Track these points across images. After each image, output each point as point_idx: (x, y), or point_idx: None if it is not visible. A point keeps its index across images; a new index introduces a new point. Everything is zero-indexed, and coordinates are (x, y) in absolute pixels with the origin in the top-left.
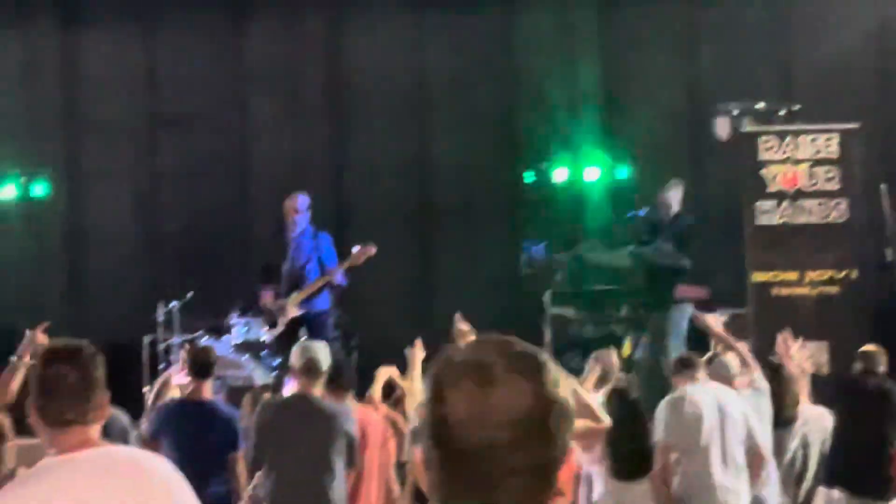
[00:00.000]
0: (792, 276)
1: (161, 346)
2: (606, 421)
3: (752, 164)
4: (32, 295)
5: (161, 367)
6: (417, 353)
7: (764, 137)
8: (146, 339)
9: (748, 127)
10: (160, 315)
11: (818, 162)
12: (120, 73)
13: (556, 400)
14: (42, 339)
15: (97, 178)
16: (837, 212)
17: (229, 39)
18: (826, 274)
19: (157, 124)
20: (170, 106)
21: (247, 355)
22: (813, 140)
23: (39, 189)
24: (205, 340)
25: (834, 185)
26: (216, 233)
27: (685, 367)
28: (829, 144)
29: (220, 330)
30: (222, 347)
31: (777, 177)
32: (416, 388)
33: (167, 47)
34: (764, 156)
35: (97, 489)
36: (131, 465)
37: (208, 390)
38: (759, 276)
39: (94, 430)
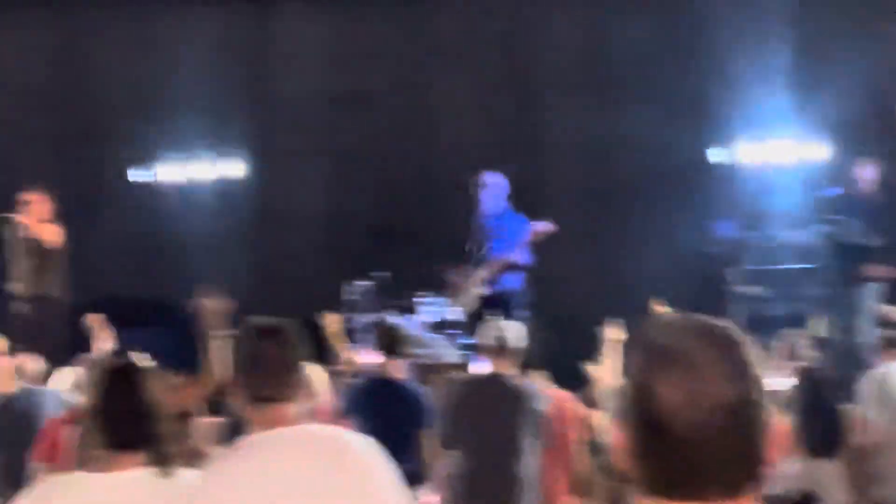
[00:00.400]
0: None
1: (350, 326)
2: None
3: None
4: (225, 273)
5: (351, 345)
6: (611, 335)
7: None
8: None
9: None
10: (349, 294)
11: None
12: (310, 51)
13: (759, 380)
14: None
15: (288, 157)
16: None
17: (417, 15)
18: None
19: (347, 102)
20: (359, 84)
21: (436, 334)
22: None
23: (232, 168)
24: (394, 319)
25: None
26: (405, 211)
27: (891, 345)
28: None
29: (409, 309)
30: (411, 326)
31: None
32: (608, 372)
33: (356, 24)
34: None
35: (295, 466)
36: (330, 442)
37: (397, 368)
38: None
39: (294, 407)
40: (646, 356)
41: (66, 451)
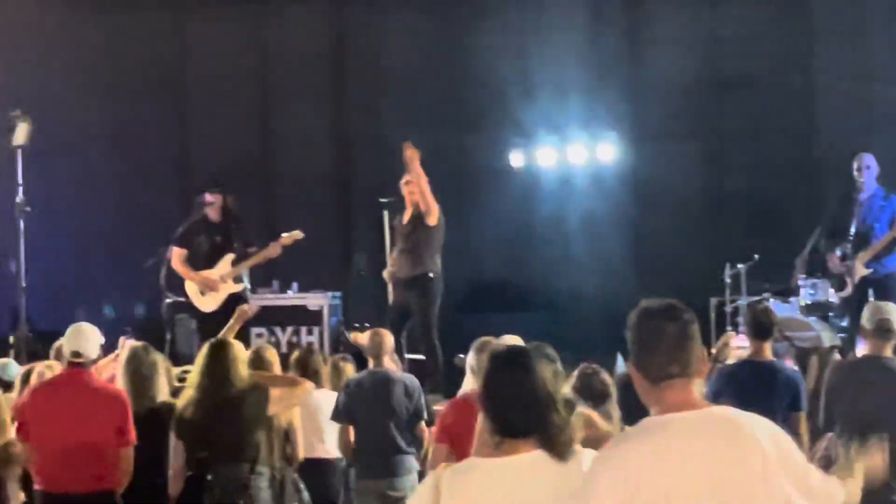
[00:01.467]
0: None
1: (728, 308)
2: None
3: None
4: (602, 256)
5: (727, 328)
6: None
7: None
8: (713, 301)
9: None
10: (727, 276)
11: None
12: (685, 34)
13: None
14: None
15: (662, 139)
16: None
17: None
18: None
19: (722, 84)
20: (734, 66)
21: (814, 316)
22: None
23: (606, 150)
24: (771, 302)
25: None
26: (782, 192)
27: None
28: None
29: (786, 292)
30: (789, 309)
31: None
32: None
33: (731, 7)
34: None
35: (699, 447)
36: (731, 423)
37: (769, 351)
38: None
39: (695, 385)
40: None
41: (462, 435)
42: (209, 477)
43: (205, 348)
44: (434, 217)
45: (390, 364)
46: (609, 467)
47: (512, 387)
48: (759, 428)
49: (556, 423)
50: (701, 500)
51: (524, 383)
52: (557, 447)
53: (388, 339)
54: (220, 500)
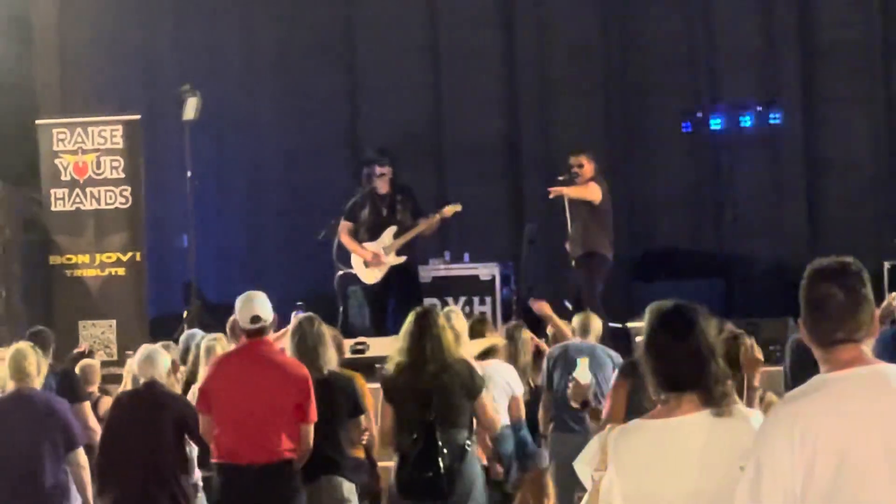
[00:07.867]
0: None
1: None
2: None
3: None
4: (773, 221)
5: None
6: None
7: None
8: (887, 265)
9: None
10: None
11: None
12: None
13: None
14: None
15: (833, 105)
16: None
17: None
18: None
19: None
20: None
21: None
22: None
23: (776, 117)
24: None
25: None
26: None
27: None
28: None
29: None
30: None
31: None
32: None
33: None
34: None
35: (862, 406)
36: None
37: None
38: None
39: (865, 346)
40: None
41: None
42: (440, 442)
43: (411, 316)
44: (596, 198)
45: None
46: (782, 426)
47: (676, 340)
48: None
49: (718, 376)
50: (875, 461)
51: (688, 336)
52: (716, 398)
53: (597, 322)
54: (449, 465)
